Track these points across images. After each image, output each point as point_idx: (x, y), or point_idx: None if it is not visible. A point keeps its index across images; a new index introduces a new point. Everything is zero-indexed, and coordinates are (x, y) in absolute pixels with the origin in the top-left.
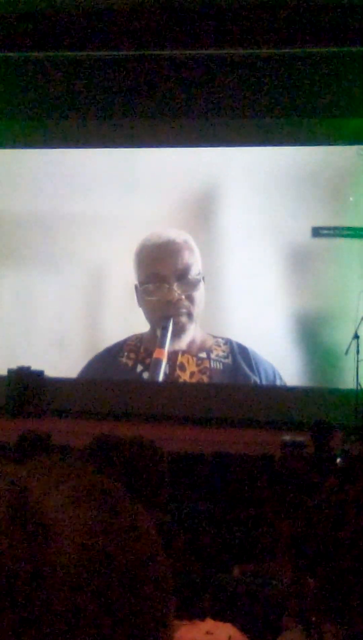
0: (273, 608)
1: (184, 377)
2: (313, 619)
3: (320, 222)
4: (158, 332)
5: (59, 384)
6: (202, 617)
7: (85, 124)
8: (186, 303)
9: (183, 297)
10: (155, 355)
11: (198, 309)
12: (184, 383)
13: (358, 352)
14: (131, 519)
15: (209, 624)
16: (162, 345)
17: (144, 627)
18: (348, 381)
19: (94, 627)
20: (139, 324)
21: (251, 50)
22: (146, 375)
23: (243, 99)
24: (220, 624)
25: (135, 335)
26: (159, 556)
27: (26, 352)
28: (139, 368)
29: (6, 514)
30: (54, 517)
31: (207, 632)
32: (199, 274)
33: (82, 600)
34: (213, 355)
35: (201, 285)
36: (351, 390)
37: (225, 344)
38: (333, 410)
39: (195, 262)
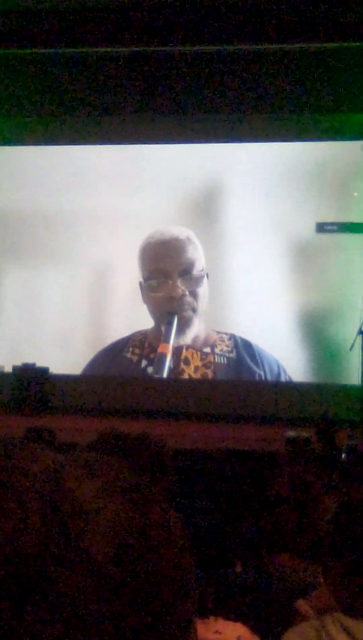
0: (276, 603)
1: (189, 371)
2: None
3: (324, 218)
4: (163, 328)
5: (64, 381)
6: (205, 615)
7: (89, 121)
8: (190, 299)
9: (187, 293)
10: (160, 350)
11: (201, 305)
12: (189, 379)
13: None
14: (162, 520)
15: (218, 623)
16: (167, 340)
17: (167, 626)
18: (353, 377)
19: (117, 622)
20: (143, 321)
21: (255, 46)
22: (150, 370)
23: (246, 95)
24: (230, 623)
25: (139, 331)
26: (185, 558)
27: (31, 349)
28: (144, 363)
29: (40, 495)
30: (85, 507)
31: (216, 632)
32: (203, 270)
33: (105, 594)
34: (217, 350)
35: (205, 281)
36: (356, 386)
37: (229, 339)
38: (338, 406)
39: (199, 258)
